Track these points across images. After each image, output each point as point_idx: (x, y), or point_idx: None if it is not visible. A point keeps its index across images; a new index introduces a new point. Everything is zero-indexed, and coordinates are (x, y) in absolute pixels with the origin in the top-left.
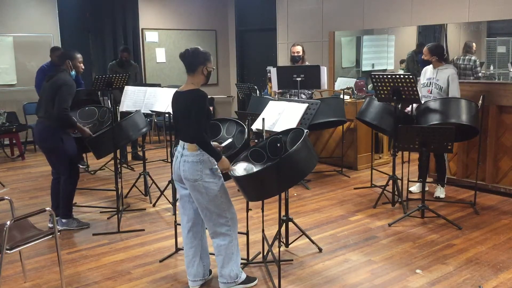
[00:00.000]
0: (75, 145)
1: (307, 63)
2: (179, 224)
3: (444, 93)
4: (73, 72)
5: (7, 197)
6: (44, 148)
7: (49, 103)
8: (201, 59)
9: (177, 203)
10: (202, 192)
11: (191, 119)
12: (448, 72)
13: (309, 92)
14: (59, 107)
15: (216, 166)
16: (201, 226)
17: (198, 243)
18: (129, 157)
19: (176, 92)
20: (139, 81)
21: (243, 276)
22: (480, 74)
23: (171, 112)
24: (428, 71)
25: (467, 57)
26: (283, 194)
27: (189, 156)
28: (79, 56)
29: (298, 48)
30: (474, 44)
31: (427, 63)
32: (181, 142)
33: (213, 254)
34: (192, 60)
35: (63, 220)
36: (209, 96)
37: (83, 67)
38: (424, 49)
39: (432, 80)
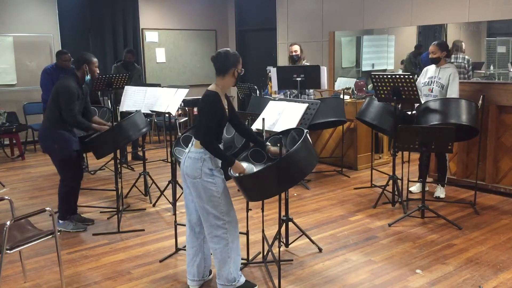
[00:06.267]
0: (72, 150)
1: (304, 62)
2: (179, 224)
3: (445, 91)
4: (88, 77)
5: (7, 197)
6: (43, 148)
7: (50, 105)
8: (232, 61)
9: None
10: (200, 191)
11: (201, 121)
12: (450, 71)
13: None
14: (65, 114)
15: (219, 168)
16: (203, 227)
17: (200, 244)
18: (129, 157)
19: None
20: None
21: (242, 280)
22: (470, 73)
23: (172, 112)
24: (429, 70)
25: (460, 56)
26: (283, 194)
27: (193, 153)
28: (95, 60)
29: (296, 48)
30: (462, 43)
31: (435, 61)
32: (192, 139)
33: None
34: (224, 63)
35: (60, 221)
36: None
37: (98, 71)
38: (431, 48)
39: (434, 78)
